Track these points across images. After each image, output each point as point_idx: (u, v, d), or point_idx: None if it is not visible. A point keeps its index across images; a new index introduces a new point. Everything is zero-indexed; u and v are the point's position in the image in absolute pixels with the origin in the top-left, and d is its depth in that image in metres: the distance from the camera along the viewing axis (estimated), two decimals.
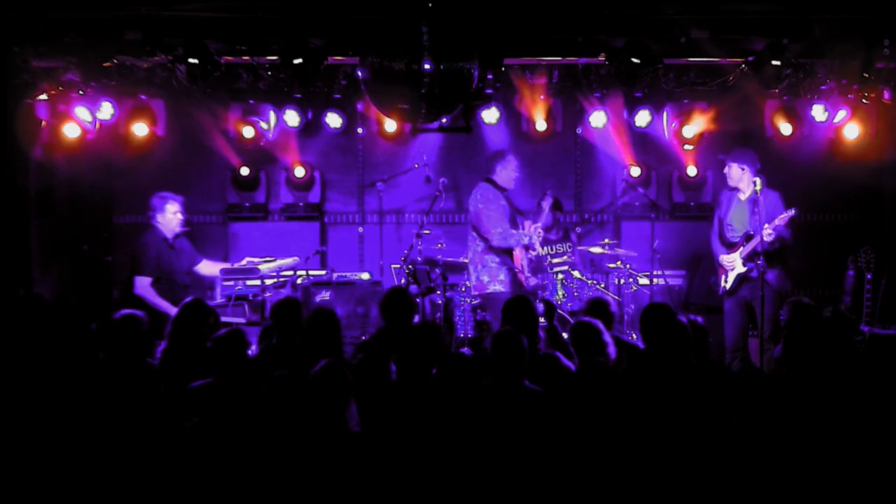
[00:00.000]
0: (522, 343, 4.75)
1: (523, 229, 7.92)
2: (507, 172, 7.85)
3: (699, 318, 5.56)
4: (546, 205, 8.28)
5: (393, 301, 5.86)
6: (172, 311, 7.17)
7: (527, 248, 7.85)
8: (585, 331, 5.21)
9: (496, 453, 4.43)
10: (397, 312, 5.80)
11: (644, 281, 8.75)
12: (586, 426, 4.61)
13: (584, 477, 4.44)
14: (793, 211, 7.43)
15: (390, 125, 9.24)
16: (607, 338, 5.17)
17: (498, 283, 7.70)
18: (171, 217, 7.78)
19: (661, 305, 5.55)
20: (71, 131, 8.31)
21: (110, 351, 5.21)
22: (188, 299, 5.94)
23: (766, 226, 7.40)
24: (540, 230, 8.06)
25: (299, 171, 9.44)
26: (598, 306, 5.89)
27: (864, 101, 8.20)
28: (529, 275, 7.96)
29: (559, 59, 8.15)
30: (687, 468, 4.50)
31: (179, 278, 7.83)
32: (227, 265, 8.26)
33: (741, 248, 7.70)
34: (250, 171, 9.35)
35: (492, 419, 4.55)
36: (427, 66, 6.40)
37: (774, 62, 7.49)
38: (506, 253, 7.72)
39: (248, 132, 8.93)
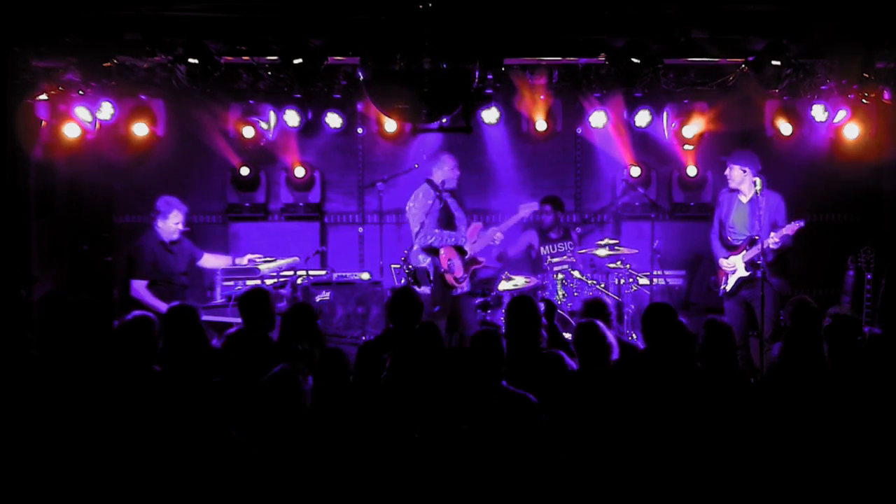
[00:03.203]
0: (501, 344, 4.71)
1: (464, 230, 7.92)
2: (443, 171, 8.10)
3: (724, 318, 5.54)
4: (525, 210, 8.37)
5: (400, 302, 5.85)
6: None
7: (460, 249, 7.84)
8: (589, 332, 5.15)
9: (472, 451, 4.41)
10: (404, 314, 5.79)
11: (644, 281, 8.74)
12: (588, 425, 4.61)
13: (581, 479, 4.43)
14: (801, 223, 7.45)
15: (390, 125, 9.24)
16: (611, 339, 5.13)
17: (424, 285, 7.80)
18: (171, 225, 7.79)
19: (663, 305, 5.55)
20: (71, 131, 8.30)
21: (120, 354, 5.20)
22: (174, 304, 5.93)
23: (773, 234, 7.40)
24: (499, 234, 8.10)
25: (299, 171, 9.44)
26: (595, 307, 5.89)
27: (864, 101, 8.19)
28: (462, 277, 7.86)
29: (559, 59, 8.14)
30: (687, 468, 4.50)
31: (178, 280, 7.84)
32: (228, 258, 8.28)
33: (744, 252, 7.70)
34: (250, 171, 9.35)
35: (466, 419, 4.51)
36: (427, 66, 6.40)
37: (774, 62, 7.48)
38: (433, 253, 7.79)
39: (248, 132, 8.92)
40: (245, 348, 5.53)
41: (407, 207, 8.15)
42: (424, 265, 7.87)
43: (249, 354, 5.41)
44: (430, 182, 8.09)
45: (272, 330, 5.87)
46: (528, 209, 8.45)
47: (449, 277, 7.82)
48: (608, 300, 6.08)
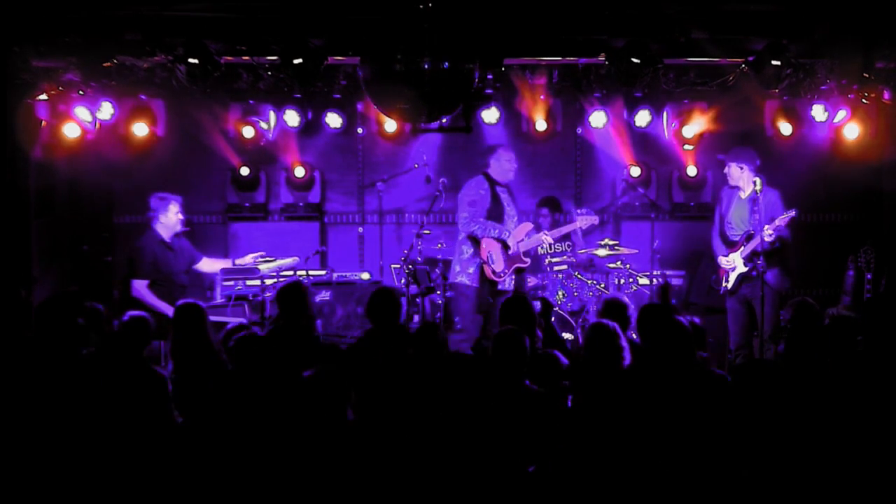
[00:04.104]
0: (524, 343, 4.73)
1: (511, 226, 7.83)
2: (500, 164, 7.93)
3: (696, 319, 5.52)
4: (583, 221, 8.24)
5: (379, 302, 5.84)
6: (171, 311, 7.20)
7: (503, 243, 7.78)
8: (601, 334, 5.03)
9: (494, 451, 4.42)
10: (384, 313, 5.78)
11: (644, 281, 8.74)
12: (585, 424, 4.61)
13: (585, 475, 4.44)
14: (793, 212, 7.46)
15: (390, 125, 9.24)
16: (623, 343, 5.03)
17: (465, 276, 7.75)
18: (172, 217, 7.79)
19: (658, 306, 5.56)
20: (71, 131, 8.30)
21: (113, 351, 5.21)
22: (182, 302, 5.96)
23: (767, 226, 7.42)
24: (549, 237, 7.98)
25: (299, 171, 9.44)
26: (614, 308, 5.70)
27: (864, 101, 8.19)
28: (503, 272, 7.77)
29: (559, 59, 8.14)
30: (687, 467, 4.50)
31: (178, 279, 7.84)
32: (228, 262, 8.27)
33: (742, 248, 7.71)
34: (250, 171, 9.35)
35: (491, 418, 4.54)
36: (427, 67, 6.40)
37: (774, 62, 7.48)
38: (476, 243, 7.74)
39: (248, 132, 8.93)
40: (285, 341, 5.59)
41: (459, 195, 7.99)
42: (470, 255, 7.77)
43: (289, 347, 5.45)
44: (486, 174, 7.95)
45: (307, 322, 5.97)
46: (586, 221, 8.23)
47: (487, 269, 7.73)
48: (628, 301, 5.90)
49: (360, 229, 9.78)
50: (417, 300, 8.27)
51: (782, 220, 7.45)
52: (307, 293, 6.06)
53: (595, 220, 8.33)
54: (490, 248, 7.72)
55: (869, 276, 7.98)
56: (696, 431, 4.65)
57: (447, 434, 4.50)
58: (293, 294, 5.98)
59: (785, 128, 8.65)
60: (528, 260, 7.94)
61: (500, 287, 7.78)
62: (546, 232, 8.09)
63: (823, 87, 8.16)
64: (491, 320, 7.75)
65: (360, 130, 9.72)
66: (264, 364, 4.81)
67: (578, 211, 8.54)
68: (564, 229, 8.32)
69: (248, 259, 8.17)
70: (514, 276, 7.94)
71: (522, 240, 7.89)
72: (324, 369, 4.51)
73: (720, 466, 4.53)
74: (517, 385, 4.68)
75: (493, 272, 7.71)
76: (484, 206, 7.78)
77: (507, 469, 4.40)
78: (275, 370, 4.81)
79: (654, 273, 8.64)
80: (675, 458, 4.51)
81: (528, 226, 7.99)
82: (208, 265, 8.15)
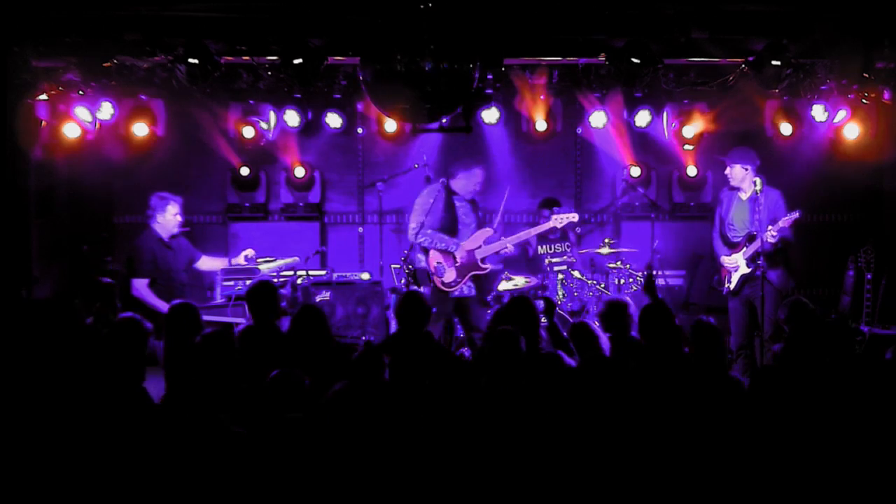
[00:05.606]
0: (519, 343, 4.71)
1: (465, 238, 7.77)
2: (468, 182, 7.86)
3: (712, 319, 5.53)
4: (558, 221, 8.14)
5: (406, 305, 5.84)
6: None
7: (452, 255, 7.73)
8: (580, 330, 5.29)
9: (492, 452, 4.40)
10: (410, 317, 5.77)
11: None
12: (587, 423, 4.60)
13: (586, 474, 4.43)
14: (797, 213, 7.46)
15: (390, 125, 9.24)
16: (604, 343, 5.17)
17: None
18: (170, 218, 7.79)
19: (659, 305, 5.57)
20: (71, 131, 8.31)
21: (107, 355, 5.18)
22: (175, 302, 5.95)
23: (770, 227, 7.41)
24: (510, 245, 7.90)
25: (299, 171, 9.44)
26: (616, 308, 5.78)
27: (864, 101, 8.20)
28: (453, 282, 7.71)
29: (559, 59, 8.15)
30: (686, 466, 4.49)
31: (178, 277, 7.85)
32: (225, 261, 8.27)
33: (744, 249, 7.71)
34: (250, 171, 9.35)
35: (488, 419, 4.52)
36: (427, 67, 6.39)
37: (774, 62, 7.49)
38: (426, 253, 7.72)
39: (248, 132, 8.92)
40: (255, 343, 5.57)
41: (414, 202, 7.96)
42: (423, 265, 7.81)
43: (260, 349, 5.45)
44: (445, 185, 7.87)
45: (278, 321, 5.96)
46: (562, 219, 8.10)
47: (436, 280, 7.71)
48: (630, 302, 5.93)
49: (360, 229, 9.78)
50: None
51: (786, 221, 7.45)
52: (276, 293, 6.01)
53: (574, 217, 8.19)
54: (438, 259, 7.69)
55: (869, 276, 7.98)
56: (691, 430, 4.65)
57: (436, 436, 4.49)
58: (261, 294, 5.95)
59: (785, 128, 8.65)
60: (486, 266, 7.83)
61: (455, 294, 7.75)
62: (505, 239, 7.93)
63: (823, 87, 8.17)
64: (469, 325, 7.81)
65: (360, 130, 9.72)
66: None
67: (555, 209, 8.47)
68: (535, 230, 8.20)
69: (240, 258, 8.18)
70: (471, 284, 7.84)
71: (480, 247, 7.79)
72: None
73: (715, 465, 4.53)
74: (513, 384, 4.64)
75: (442, 283, 7.69)
76: (437, 216, 7.74)
77: (503, 469, 4.38)
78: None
79: (642, 272, 8.65)
80: (667, 455, 4.51)
81: (487, 232, 7.87)
82: (208, 263, 8.16)
